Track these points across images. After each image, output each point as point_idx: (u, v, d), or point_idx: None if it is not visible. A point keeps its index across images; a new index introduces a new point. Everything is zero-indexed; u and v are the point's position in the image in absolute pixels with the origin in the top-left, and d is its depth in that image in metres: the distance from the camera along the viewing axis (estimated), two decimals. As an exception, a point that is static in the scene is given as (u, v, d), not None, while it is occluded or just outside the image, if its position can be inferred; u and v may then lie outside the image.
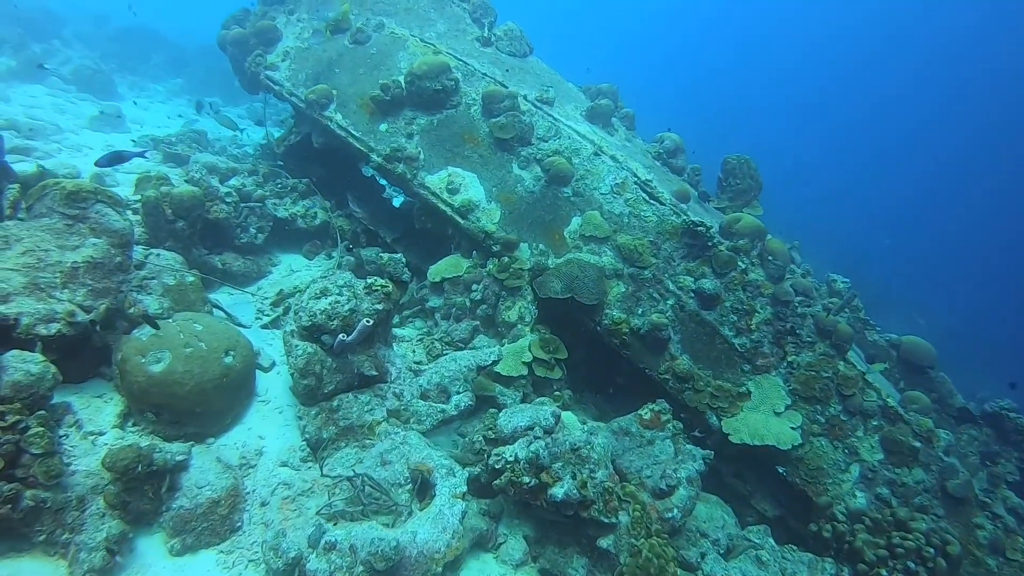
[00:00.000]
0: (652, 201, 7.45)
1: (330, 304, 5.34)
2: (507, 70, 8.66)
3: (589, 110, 8.57)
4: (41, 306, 4.81)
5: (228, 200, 7.49)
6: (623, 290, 7.16)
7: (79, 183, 5.29)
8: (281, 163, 9.83)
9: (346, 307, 5.37)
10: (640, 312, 7.08)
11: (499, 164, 7.82)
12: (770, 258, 7.25)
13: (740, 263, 7.11)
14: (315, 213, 8.66)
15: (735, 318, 7.03)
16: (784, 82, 50.26)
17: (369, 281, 5.61)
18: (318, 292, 5.44)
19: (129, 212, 7.20)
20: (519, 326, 6.99)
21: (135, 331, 5.37)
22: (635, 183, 7.55)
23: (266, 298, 7.24)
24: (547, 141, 7.86)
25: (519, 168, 7.78)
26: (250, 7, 10.54)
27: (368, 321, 5.21)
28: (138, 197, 7.15)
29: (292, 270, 8.12)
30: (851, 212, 30.51)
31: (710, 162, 9.34)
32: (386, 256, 6.04)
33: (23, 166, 8.91)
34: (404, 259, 6.21)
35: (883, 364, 7.86)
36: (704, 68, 51.56)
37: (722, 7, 57.55)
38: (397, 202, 10.62)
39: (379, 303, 5.58)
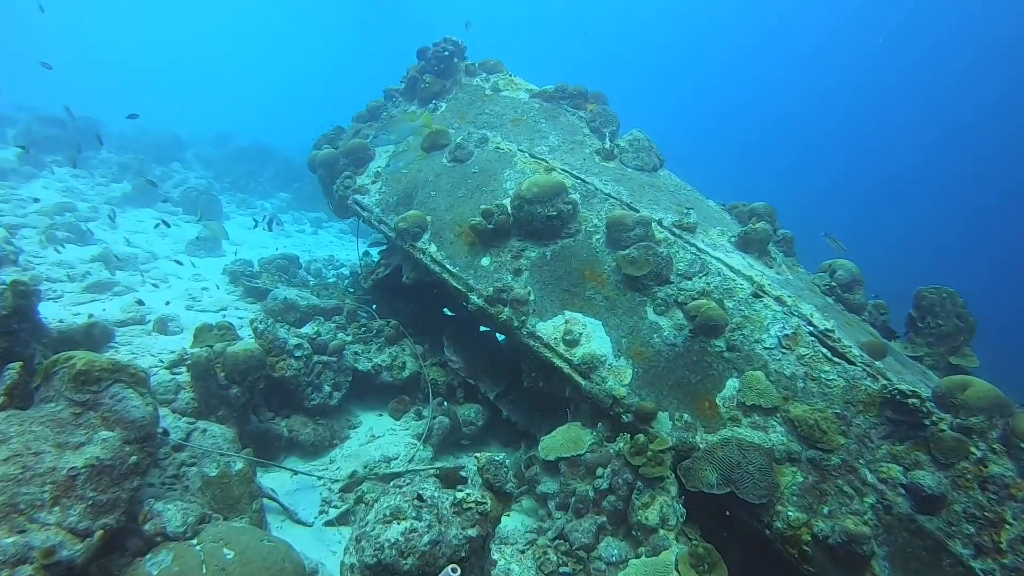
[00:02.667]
0: (836, 359, 5.56)
1: (404, 534, 3.74)
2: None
3: (741, 236, 6.80)
4: (11, 540, 3.48)
5: (298, 354, 6.22)
6: (800, 480, 5.20)
7: (92, 360, 4.08)
8: (369, 297, 8.65)
9: (425, 538, 3.75)
10: (826, 511, 5.07)
11: (629, 308, 6.17)
12: (1022, 444, 5.11)
13: (974, 450, 5.03)
14: (404, 363, 7.23)
15: (972, 530, 4.85)
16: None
17: (460, 496, 3.99)
18: (389, 513, 3.86)
19: (184, 369, 6.12)
20: (661, 531, 5.14)
21: (148, 558, 3.97)
22: (810, 334, 5.70)
23: (336, 480, 5.75)
24: (691, 279, 6.15)
25: (655, 314, 6.08)
26: (345, 125, 9.79)
27: (455, 569, 3.56)
28: (196, 350, 6.02)
29: (373, 435, 6.62)
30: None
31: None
32: (484, 457, 4.42)
33: (92, 307, 8.21)
34: (508, 461, 4.58)
35: None
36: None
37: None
38: (503, 336, 9.17)
39: (472, 527, 3.93)
